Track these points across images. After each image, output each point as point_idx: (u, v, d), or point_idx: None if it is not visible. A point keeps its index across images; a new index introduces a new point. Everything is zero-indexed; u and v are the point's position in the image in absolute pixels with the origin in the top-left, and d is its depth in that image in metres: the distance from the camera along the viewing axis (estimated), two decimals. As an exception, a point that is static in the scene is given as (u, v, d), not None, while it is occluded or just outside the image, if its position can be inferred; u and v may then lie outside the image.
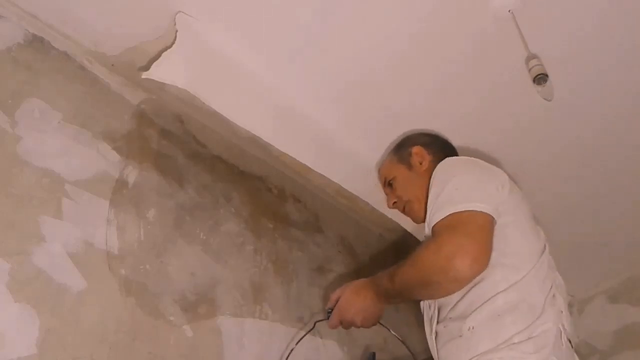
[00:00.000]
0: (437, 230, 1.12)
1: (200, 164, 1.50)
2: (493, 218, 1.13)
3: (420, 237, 1.86)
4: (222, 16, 1.37)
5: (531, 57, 1.37)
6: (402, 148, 1.57)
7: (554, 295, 1.14)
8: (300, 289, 1.57)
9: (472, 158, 1.37)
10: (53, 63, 1.31)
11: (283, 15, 1.36)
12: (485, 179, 1.25)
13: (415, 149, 1.51)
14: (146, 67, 1.34)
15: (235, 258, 1.43)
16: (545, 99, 1.38)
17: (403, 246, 2.09)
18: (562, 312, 1.14)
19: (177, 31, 1.33)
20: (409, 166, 1.49)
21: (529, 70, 1.35)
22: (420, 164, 1.47)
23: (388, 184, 1.55)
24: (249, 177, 1.63)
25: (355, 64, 1.50)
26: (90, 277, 1.12)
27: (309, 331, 1.40)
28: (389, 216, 1.80)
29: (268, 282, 1.48)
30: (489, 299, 1.09)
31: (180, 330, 1.22)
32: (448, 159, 1.35)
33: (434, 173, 1.30)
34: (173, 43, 1.33)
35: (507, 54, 1.45)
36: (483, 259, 1.05)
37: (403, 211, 1.53)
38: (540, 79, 1.32)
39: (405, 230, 1.86)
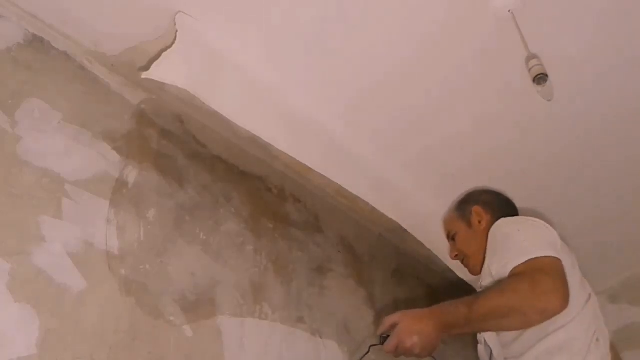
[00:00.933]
0: (524, 270, 1.21)
1: (200, 164, 1.50)
2: (562, 261, 1.24)
3: (416, 232, 1.87)
4: (222, 16, 1.37)
5: (531, 57, 1.37)
6: (464, 206, 1.69)
7: (597, 340, 1.25)
8: (300, 289, 1.57)
9: (523, 217, 1.49)
10: (53, 63, 1.31)
11: (284, 16, 1.36)
12: (544, 233, 1.35)
13: (475, 208, 1.62)
14: (146, 67, 1.33)
15: (235, 258, 1.43)
16: (545, 99, 1.38)
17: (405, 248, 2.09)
18: (606, 355, 1.26)
19: (177, 31, 1.33)
20: (469, 224, 1.61)
21: (529, 70, 1.35)
22: (480, 222, 1.58)
23: (451, 238, 1.68)
24: (249, 177, 1.63)
25: (358, 66, 1.50)
26: (90, 277, 1.12)
27: (364, 356, 1.39)
28: (389, 216, 1.81)
29: (268, 282, 1.48)
30: (542, 338, 1.21)
31: (180, 330, 1.22)
32: (505, 219, 1.45)
33: (493, 229, 1.42)
34: (173, 43, 1.33)
35: (507, 54, 1.45)
36: (567, 299, 1.15)
37: (462, 263, 1.65)
38: (540, 79, 1.32)
39: (406, 231, 1.86)
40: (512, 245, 1.30)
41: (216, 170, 1.53)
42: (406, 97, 1.61)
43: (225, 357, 1.27)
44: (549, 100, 1.39)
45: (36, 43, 1.30)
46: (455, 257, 1.66)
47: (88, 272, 1.12)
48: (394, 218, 1.81)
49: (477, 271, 1.56)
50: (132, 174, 1.31)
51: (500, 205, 1.64)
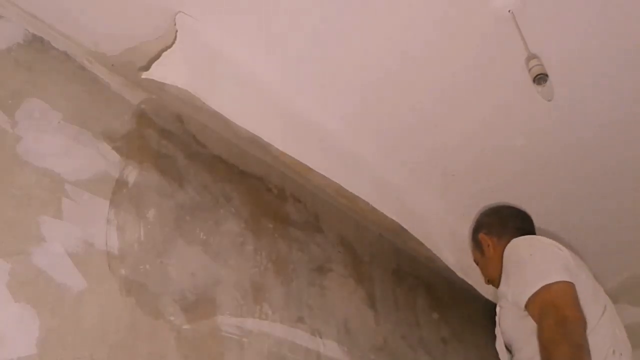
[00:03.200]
0: (540, 306, 1.26)
1: (200, 164, 1.50)
2: (574, 285, 1.29)
3: (416, 231, 1.87)
4: (222, 16, 1.37)
5: (531, 57, 1.37)
6: (474, 235, 1.73)
7: (614, 352, 1.29)
8: (300, 289, 1.57)
9: (535, 237, 1.50)
10: (53, 63, 1.31)
11: (285, 16, 1.36)
12: (554, 256, 1.37)
13: (481, 237, 1.66)
14: (146, 67, 1.34)
15: (235, 258, 1.43)
16: (545, 99, 1.38)
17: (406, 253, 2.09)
18: None
19: (177, 31, 1.33)
20: (482, 252, 1.65)
21: (529, 70, 1.35)
22: (489, 247, 1.62)
23: (477, 265, 1.74)
24: (249, 177, 1.63)
25: (358, 67, 1.50)
26: (90, 277, 1.12)
27: None
28: (389, 216, 1.81)
29: (268, 282, 1.48)
30: None
31: (180, 330, 1.22)
32: (518, 241, 1.47)
33: (506, 252, 1.46)
34: (173, 43, 1.33)
35: (507, 54, 1.45)
36: (584, 319, 1.23)
37: (493, 285, 1.67)
38: (540, 79, 1.32)
39: (406, 230, 1.86)
40: (525, 271, 1.34)
41: (216, 170, 1.53)
42: (406, 97, 1.61)
43: (225, 357, 1.27)
44: (549, 100, 1.39)
45: (36, 43, 1.30)
46: (487, 283, 1.70)
47: (88, 272, 1.12)
48: (394, 218, 1.81)
49: None
50: (132, 174, 1.31)
51: (503, 223, 1.65)
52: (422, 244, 1.91)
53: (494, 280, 1.60)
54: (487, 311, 2.34)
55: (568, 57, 1.48)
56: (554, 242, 1.43)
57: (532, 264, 1.34)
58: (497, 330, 1.50)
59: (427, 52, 1.47)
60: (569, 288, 1.26)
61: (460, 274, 1.99)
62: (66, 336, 1.03)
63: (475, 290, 2.04)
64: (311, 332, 1.52)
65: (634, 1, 1.35)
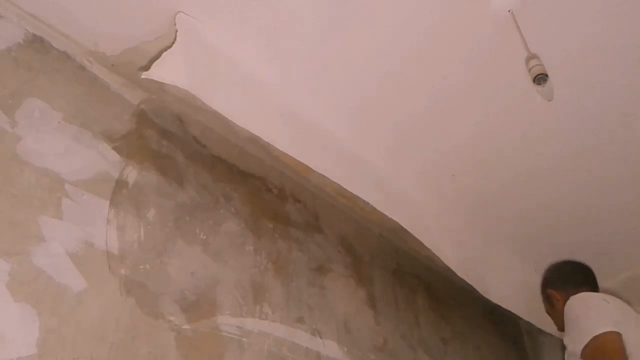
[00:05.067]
0: (592, 354, 1.49)
1: (200, 164, 1.50)
2: (620, 334, 1.50)
3: (416, 231, 1.88)
4: (222, 16, 1.37)
5: (531, 57, 1.37)
6: (543, 290, 1.92)
7: None
8: (300, 289, 1.57)
9: (587, 294, 1.71)
10: (53, 63, 1.31)
11: (285, 16, 1.36)
12: (603, 310, 1.59)
13: (549, 292, 1.85)
14: (146, 67, 1.33)
15: (235, 258, 1.43)
16: (545, 99, 1.38)
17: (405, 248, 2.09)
18: None
19: (177, 31, 1.33)
20: (551, 305, 1.85)
21: (529, 70, 1.35)
22: (558, 301, 1.81)
23: (548, 315, 1.93)
24: (249, 177, 1.63)
25: (358, 67, 1.50)
26: (90, 277, 1.12)
27: None
28: (389, 216, 1.80)
29: (268, 282, 1.48)
30: None
31: (180, 330, 1.22)
32: (572, 301, 1.68)
33: (565, 309, 1.67)
34: (173, 43, 1.33)
35: (507, 54, 1.45)
36: None
37: None
38: (540, 79, 1.32)
39: (406, 231, 1.86)
40: (579, 326, 1.57)
41: (216, 170, 1.53)
42: (406, 97, 1.60)
43: (225, 357, 1.27)
44: (549, 100, 1.38)
45: (36, 43, 1.30)
46: (560, 330, 1.87)
47: (88, 272, 1.12)
48: (394, 218, 1.81)
49: None
50: (132, 174, 1.31)
51: (566, 279, 1.86)
52: (422, 244, 1.91)
53: (560, 329, 1.79)
54: (487, 311, 2.34)
55: (568, 57, 1.48)
56: (603, 295, 1.66)
57: (584, 319, 1.57)
58: None
59: (426, 53, 1.47)
60: (615, 337, 1.47)
61: (460, 274, 1.99)
62: (66, 336, 1.03)
63: (475, 290, 2.04)
64: (311, 332, 1.52)
65: (634, 1, 1.35)
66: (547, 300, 1.88)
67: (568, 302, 1.70)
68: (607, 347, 1.48)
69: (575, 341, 1.56)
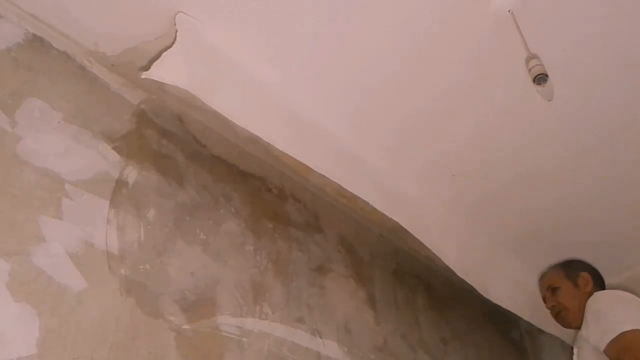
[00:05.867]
0: (617, 349, 1.49)
1: (200, 164, 1.50)
2: None
3: (416, 231, 1.87)
4: (222, 16, 1.37)
5: (531, 57, 1.37)
6: (570, 268, 1.96)
7: None
8: (300, 289, 1.57)
9: (615, 291, 1.78)
10: (53, 63, 1.31)
11: (286, 16, 1.36)
12: (631, 307, 1.61)
13: (585, 275, 1.88)
14: (146, 67, 1.33)
15: (235, 258, 1.43)
16: (545, 99, 1.38)
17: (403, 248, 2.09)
18: None
19: (177, 31, 1.33)
20: (575, 284, 1.87)
21: (529, 70, 1.35)
22: (585, 286, 1.86)
23: (551, 290, 1.93)
24: (249, 177, 1.63)
25: (358, 67, 1.50)
26: (90, 277, 1.12)
27: None
28: (389, 216, 1.80)
29: (268, 282, 1.48)
30: None
31: (180, 330, 1.22)
32: (600, 295, 1.74)
33: (590, 302, 1.69)
34: (173, 43, 1.33)
35: (507, 54, 1.45)
36: None
37: (556, 315, 1.90)
38: (540, 79, 1.32)
39: (406, 231, 1.86)
40: (607, 320, 1.57)
41: (216, 170, 1.53)
42: (406, 97, 1.60)
43: (225, 357, 1.27)
44: (549, 100, 1.38)
45: (36, 43, 1.30)
46: (552, 308, 1.91)
47: (88, 272, 1.12)
48: (394, 218, 1.81)
49: (570, 325, 1.84)
50: (132, 174, 1.31)
51: (600, 279, 1.92)
52: (422, 244, 1.91)
53: (569, 310, 1.82)
54: (487, 311, 2.34)
55: (568, 57, 1.48)
56: (632, 295, 1.67)
57: (612, 314, 1.58)
58: None
59: (426, 53, 1.47)
60: None
61: (460, 274, 1.99)
62: (66, 336, 1.03)
63: (475, 290, 2.04)
64: (311, 332, 1.52)
65: (634, 1, 1.35)
66: (572, 278, 1.88)
67: (595, 296, 1.70)
68: (634, 344, 1.47)
69: (600, 335, 1.54)
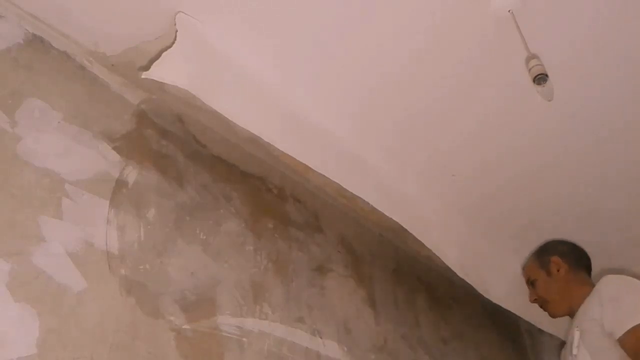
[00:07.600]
0: (635, 338, 1.40)
1: (200, 164, 1.50)
2: None
3: (416, 231, 1.87)
4: (222, 16, 1.37)
5: (531, 57, 1.37)
6: (543, 255, 1.87)
7: None
8: (300, 289, 1.57)
9: (630, 277, 1.61)
10: (53, 63, 1.31)
11: (286, 16, 1.36)
12: None
13: (554, 259, 1.80)
14: (146, 67, 1.33)
15: (235, 258, 1.43)
16: (545, 99, 1.38)
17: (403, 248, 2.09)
18: None
19: (177, 31, 1.33)
20: (548, 272, 1.79)
21: (529, 70, 1.35)
22: (558, 271, 1.77)
23: (530, 283, 1.86)
24: (249, 177, 1.63)
25: (358, 67, 1.50)
26: (90, 277, 1.12)
27: None
28: (389, 216, 1.81)
29: (268, 282, 1.48)
30: None
31: (180, 330, 1.22)
32: (611, 278, 1.59)
33: (600, 285, 1.57)
34: (173, 43, 1.33)
35: (507, 54, 1.45)
36: None
37: (541, 307, 1.83)
38: (540, 79, 1.32)
39: (406, 230, 1.86)
40: (625, 306, 1.47)
41: (216, 170, 1.53)
42: (406, 97, 1.60)
43: (225, 357, 1.27)
44: (549, 101, 1.38)
45: (36, 43, 1.30)
46: (534, 301, 1.84)
47: (88, 272, 1.12)
48: (394, 218, 1.81)
49: (555, 315, 1.77)
50: (132, 174, 1.31)
51: (577, 256, 1.83)
52: (422, 244, 1.91)
53: (549, 302, 1.76)
54: (487, 311, 2.34)
55: (568, 57, 1.48)
56: None
57: (628, 303, 1.48)
58: (567, 353, 1.60)
59: (426, 53, 1.47)
60: None
61: (460, 274, 1.99)
62: (66, 336, 1.03)
63: (475, 290, 2.05)
64: (311, 332, 1.52)
65: (634, 1, 1.35)
66: (543, 266, 1.81)
67: (608, 279, 1.60)
68: None
69: (616, 321, 1.46)
